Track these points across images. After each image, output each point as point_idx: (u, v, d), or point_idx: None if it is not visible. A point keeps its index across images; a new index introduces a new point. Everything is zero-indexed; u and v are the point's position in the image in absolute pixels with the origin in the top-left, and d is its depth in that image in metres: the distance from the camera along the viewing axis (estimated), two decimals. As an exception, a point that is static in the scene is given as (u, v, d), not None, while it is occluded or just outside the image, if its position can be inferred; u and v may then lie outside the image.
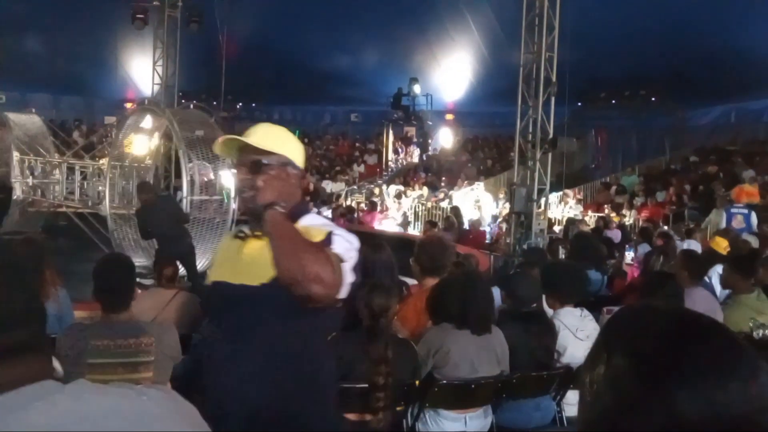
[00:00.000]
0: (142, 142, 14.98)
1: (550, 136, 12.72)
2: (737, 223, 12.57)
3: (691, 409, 0.87)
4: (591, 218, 16.99)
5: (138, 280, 3.99)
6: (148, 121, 15.07)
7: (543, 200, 13.17)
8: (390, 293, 3.77)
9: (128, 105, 30.17)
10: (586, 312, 4.57)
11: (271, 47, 25.99)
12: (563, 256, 8.08)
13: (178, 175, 18.88)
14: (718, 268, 6.30)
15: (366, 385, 3.47)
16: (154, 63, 18.85)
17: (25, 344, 0.96)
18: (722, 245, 8.11)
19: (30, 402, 0.90)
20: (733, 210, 13.05)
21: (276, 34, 25.94)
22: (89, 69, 27.63)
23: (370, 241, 5.97)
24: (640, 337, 0.95)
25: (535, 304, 4.66)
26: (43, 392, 0.92)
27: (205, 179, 16.57)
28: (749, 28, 20.76)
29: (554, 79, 12.63)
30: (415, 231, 18.75)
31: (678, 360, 0.90)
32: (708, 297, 5.43)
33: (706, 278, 6.33)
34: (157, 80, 18.82)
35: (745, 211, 12.95)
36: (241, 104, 31.67)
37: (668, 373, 0.90)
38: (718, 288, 6.30)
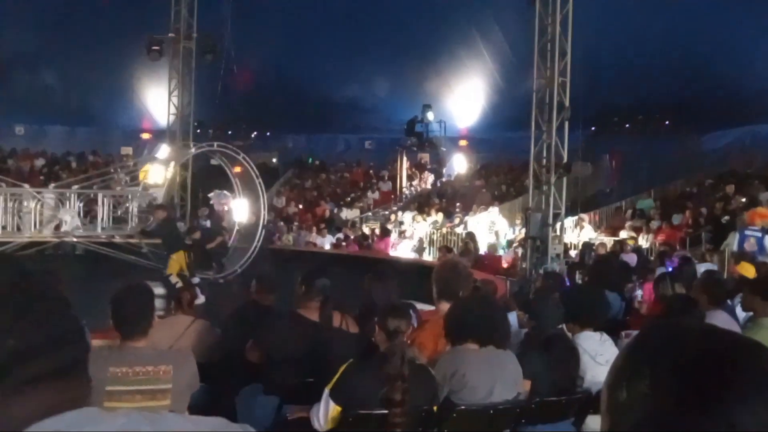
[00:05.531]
0: (157, 172, 15.11)
1: (564, 160, 12.68)
2: (750, 245, 12.39)
3: (751, 424, 0.84)
4: (608, 242, 16.86)
5: None
6: (163, 151, 15.21)
7: (558, 225, 13.11)
8: (403, 314, 3.82)
9: (144, 135, 30.56)
10: (605, 336, 4.52)
11: (284, 76, 26.22)
12: (581, 281, 8.00)
13: (195, 205, 19.03)
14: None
15: (384, 412, 3.44)
16: (170, 93, 19.06)
17: (66, 368, 0.96)
18: (750, 271, 8.00)
19: (71, 429, 0.90)
20: (747, 232, 12.88)
21: (289, 63, 26.18)
22: (105, 101, 27.93)
23: (377, 268, 6.03)
24: (682, 354, 0.91)
25: (559, 326, 4.63)
26: (84, 420, 0.92)
27: (225, 208, 16.84)
28: (761, 52, 20.75)
29: (567, 104, 12.62)
30: (430, 257, 18.70)
31: (730, 376, 0.87)
32: (728, 320, 5.36)
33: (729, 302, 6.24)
34: (173, 110, 19.01)
35: (759, 234, 12.79)
36: (255, 133, 31.86)
37: (722, 390, 0.86)
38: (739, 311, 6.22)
